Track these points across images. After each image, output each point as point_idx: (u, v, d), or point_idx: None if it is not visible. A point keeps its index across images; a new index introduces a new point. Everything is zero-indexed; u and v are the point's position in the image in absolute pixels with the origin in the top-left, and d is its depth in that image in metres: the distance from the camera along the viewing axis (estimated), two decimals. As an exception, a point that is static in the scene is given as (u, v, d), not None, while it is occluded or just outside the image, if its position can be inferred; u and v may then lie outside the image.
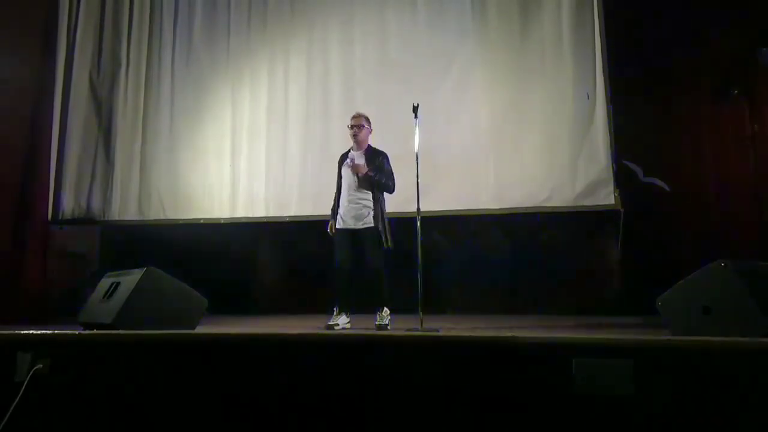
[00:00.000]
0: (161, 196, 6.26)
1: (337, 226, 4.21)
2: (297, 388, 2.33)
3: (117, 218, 6.28)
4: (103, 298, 3.50)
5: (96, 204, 6.28)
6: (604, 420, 2.00)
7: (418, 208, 3.96)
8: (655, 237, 5.63)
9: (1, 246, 5.24)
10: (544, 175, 5.47)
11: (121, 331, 2.97)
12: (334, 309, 4.19)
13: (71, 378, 2.56)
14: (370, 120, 4.36)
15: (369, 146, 4.29)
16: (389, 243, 4.12)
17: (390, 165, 4.23)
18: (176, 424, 2.43)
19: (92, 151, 6.35)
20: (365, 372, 2.30)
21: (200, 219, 6.17)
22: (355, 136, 4.23)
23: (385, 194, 4.22)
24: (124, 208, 6.27)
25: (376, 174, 4.10)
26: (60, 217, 6.19)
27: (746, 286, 2.51)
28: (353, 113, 4.43)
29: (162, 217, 6.24)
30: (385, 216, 4.13)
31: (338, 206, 4.22)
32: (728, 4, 5.34)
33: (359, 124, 4.24)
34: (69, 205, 6.24)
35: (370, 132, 4.34)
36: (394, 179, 4.19)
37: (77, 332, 3.13)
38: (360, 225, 4.11)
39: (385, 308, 4.07)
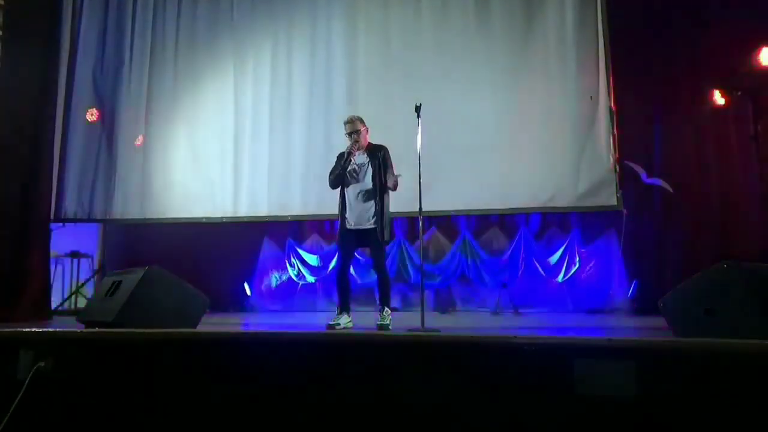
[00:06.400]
0: (163, 195, 6.26)
1: (345, 227, 4.19)
2: (298, 388, 2.33)
3: (119, 217, 6.29)
4: (105, 296, 3.51)
5: (98, 203, 6.28)
6: (606, 422, 1.99)
7: (420, 208, 3.95)
8: (658, 238, 5.62)
9: (3, 244, 5.24)
10: (546, 175, 5.46)
11: (122, 330, 2.97)
12: (336, 308, 4.17)
13: (73, 376, 2.56)
14: (363, 119, 4.31)
15: (369, 143, 4.27)
16: (387, 238, 4.10)
17: (390, 158, 4.21)
18: (177, 422, 2.43)
19: (95, 150, 6.35)
20: (366, 371, 2.30)
21: (202, 218, 6.17)
22: (356, 142, 4.20)
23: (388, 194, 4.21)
24: (126, 207, 6.27)
25: (385, 175, 4.09)
26: (62, 216, 6.20)
27: (749, 287, 2.51)
28: (345, 119, 4.32)
29: (164, 215, 6.24)
30: (386, 213, 4.10)
31: (344, 208, 4.20)
32: (731, 5, 5.33)
33: (356, 130, 4.21)
34: (71, 204, 6.25)
35: (368, 131, 4.31)
36: (394, 175, 4.17)
37: (79, 330, 3.14)
38: (365, 225, 4.10)
39: (387, 308, 4.06)
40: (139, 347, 2.59)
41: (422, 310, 3.76)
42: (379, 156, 4.14)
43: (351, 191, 4.17)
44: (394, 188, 4.16)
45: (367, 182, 4.13)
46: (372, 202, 4.10)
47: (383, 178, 4.09)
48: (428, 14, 5.95)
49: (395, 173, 4.15)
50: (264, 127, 6.19)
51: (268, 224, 6.79)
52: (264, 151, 6.14)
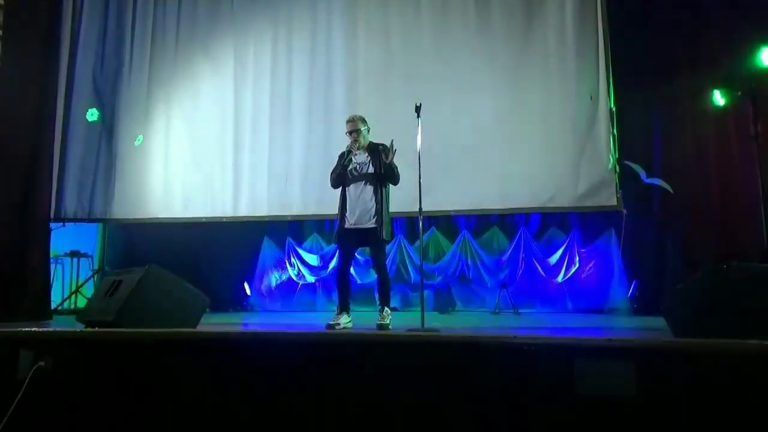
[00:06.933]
0: (163, 195, 6.27)
1: (344, 226, 4.18)
2: (298, 388, 2.33)
3: (119, 217, 6.29)
4: (105, 296, 3.51)
5: (98, 202, 6.28)
6: (606, 421, 1.99)
7: (420, 208, 3.94)
8: (657, 238, 5.62)
9: (3, 244, 5.24)
10: (547, 176, 5.47)
11: (122, 330, 2.97)
12: (336, 308, 4.17)
13: (73, 376, 2.56)
14: (366, 119, 4.31)
15: (370, 142, 4.26)
16: (387, 237, 4.09)
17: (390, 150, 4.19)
18: (177, 421, 2.43)
19: (95, 150, 6.35)
20: (366, 371, 2.30)
21: (202, 218, 6.17)
22: (356, 141, 4.20)
23: (389, 194, 4.20)
24: (126, 207, 6.26)
25: (385, 161, 4.06)
26: (62, 216, 6.20)
27: (749, 287, 2.51)
28: (347, 117, 4.33)
29: (164, 215, 6.24)
30: (385, 211, 4.09)
31: (345, 207, 4.18)
32: (731, 4, 5.33)
33: (356, 129, 4.21)
34: (71, 204, 6.25)
35: (369, 130, 4.30)
36: (391, 150, 4.16)
37: (79, 330, 3.14)
38: (365, 224, 4.10)
39: (387, 308, 4.05)
40: (139, 347, 2.59)
41: (422, 310, 3.76)
42: (380, 153, 4.13)
43: (352, 190, 4.16)
44: (396, 175, 4.10)
45: (368, 181, 4.13)
46: (372, 201, 4.09)
47: (384, 171, 4.06)
48: (428, 14, 5.95)
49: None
50: (264, 127, 6.19)
51: (268, 224, 6.79)
52: (264, 151, 6.14)
